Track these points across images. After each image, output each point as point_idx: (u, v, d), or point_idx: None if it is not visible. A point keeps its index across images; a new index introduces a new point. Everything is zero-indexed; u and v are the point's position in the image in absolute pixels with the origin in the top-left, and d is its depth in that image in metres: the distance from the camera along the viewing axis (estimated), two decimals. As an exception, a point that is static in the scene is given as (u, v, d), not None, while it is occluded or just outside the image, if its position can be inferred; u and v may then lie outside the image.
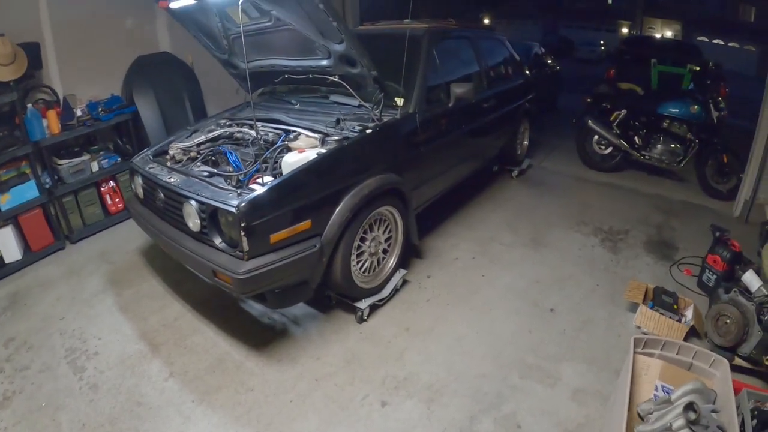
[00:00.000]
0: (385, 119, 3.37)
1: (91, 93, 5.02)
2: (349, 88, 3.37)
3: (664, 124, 5.76)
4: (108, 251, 4.47)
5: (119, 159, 5.01)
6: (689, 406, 1.91)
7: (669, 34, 31.75)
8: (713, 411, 2.01)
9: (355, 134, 3.17)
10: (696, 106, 5.51)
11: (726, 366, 2.27)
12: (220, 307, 3.50)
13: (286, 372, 2.88)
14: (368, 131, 3.21)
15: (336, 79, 3.42)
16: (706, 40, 28.58)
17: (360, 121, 3.34)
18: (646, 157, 5.83)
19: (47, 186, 4.46)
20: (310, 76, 3.66)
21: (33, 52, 4.35)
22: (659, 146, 5.81)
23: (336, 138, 3.15)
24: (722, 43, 27.86)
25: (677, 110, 5.62)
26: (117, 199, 5.05)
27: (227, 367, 2.94)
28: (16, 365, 3.08)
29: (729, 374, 2.22)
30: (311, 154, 2.89)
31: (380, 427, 2.49)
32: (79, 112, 4.70)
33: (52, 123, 4.40)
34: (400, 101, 3.53)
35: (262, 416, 2.58)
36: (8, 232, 4.18)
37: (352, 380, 2.79)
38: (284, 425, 2.53)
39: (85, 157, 4.74)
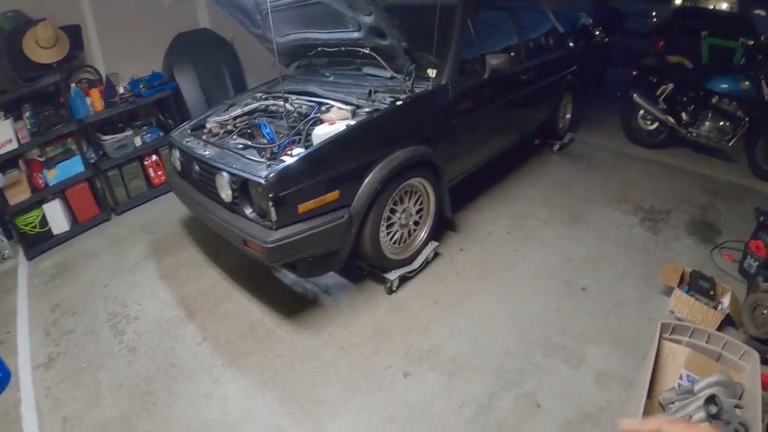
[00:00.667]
0: (417, 91, 3.34)
1: (132, 71, 5.15)
2: (380, 59, 3.35)
3: (713, 100, 5.47)
4: (151, 222, 4.65)
5: (161, 133, 5.15)
6: (711, 399, 1.86)
7: (724, 6, 30.15)
8: (737, 406, 1.94)
9: (386, 106, 3.16)
10: (747, 83, 5.21)
11: (756, 359, 2.19)
12: (255, 276, 3.61)
13: (314, 340, 2.96)
14: (398, 103, 3.19)
15: (368, 51, 3.41)
16: (763, 13, 26.98)
17: (392, 93, 3.32)
18: (693, 134, 5.58)
19: (92, 161, 4.65)
20: (342, 48, 3.66)
21: (74, 34, 4.48)
22: (707, 123, 5.54)
23: (367, 110, 3.15)
24: (782, 16, 26.21)
25: (727, 86, 5.33)
26: (160, 172, 5.21)
27: (258, 334, 3.04)
28: (62, 329, 3.28)
29: (758, 368, 2.14)
30: (341, 126, 2.90)
31: (400, 397, 2.54)
32: (121, 90, 4.85)
33: (95, 101, 4.57)
34: (432, 73, 3.47)
35: (287, 381, 2.67)
36: (56, 205, 4.41)
37: (377, 350, 2.84)
38: (308, 390, 2.61)
39: (128, 132, 4.91)
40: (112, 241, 4.39)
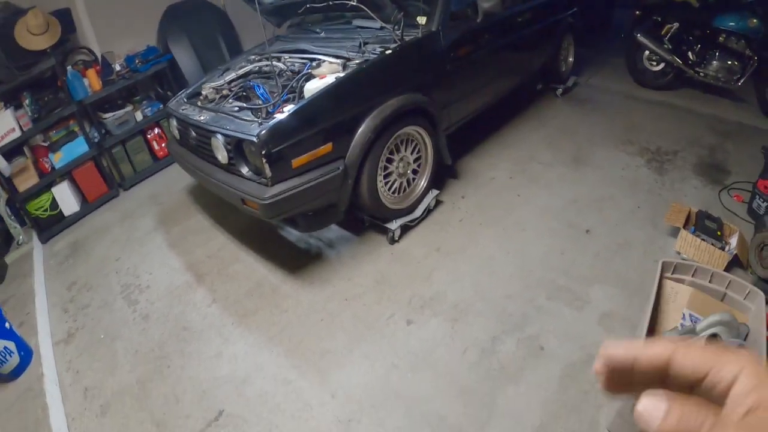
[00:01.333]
0: (407, 39, 3.28)
1: (127, 47, 5.18)
2: (368, 11, 3.30)
3: (721, 38, 5.29)
4: (157, 193, 4.73)
5: (161, 106, 5.16)
6: (712, 338, 1.85)
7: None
8: (740, 347, 1.93)
9: (375, 56, 3.13)
10: (755, 20, 5.02)
11: (762, 299, 2.17)
12: (261, 236, 3.68)
13: (318, 293, 3.01)
14: (388, 52, 3.14)
15: (355, 3, 3.35)
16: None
17: (382, 44, 3.28)
18: (701, 74, 5.42)
19: (96, 140, 4.72)
20: (330, 2, 3.58)
21: (65, 17, 4.50)
22: (715, 62, 5.36)
23: (357, 62, 3.12)
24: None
25: (734, 24, 5.15)
26: (163, 144, 5.23)
27: (264, 291, 3.11)
28: (78, 305, 3.39)
29: (764, 308, 2.12)
30: (331, 79, 2.89)
31: (404, 344, 2.58)
32: (117, 67, 4.88)
33: (92, 81, 4.60)
34: (422, 20, 3.40)
35: (293, 335, 2.74)
36: (64, 187, 4.49)
37: (380, 300, 2.89)
38: (314, 343, 2.67)
39: (129, 108, 4.94)
40: (122, 215, 4.47)
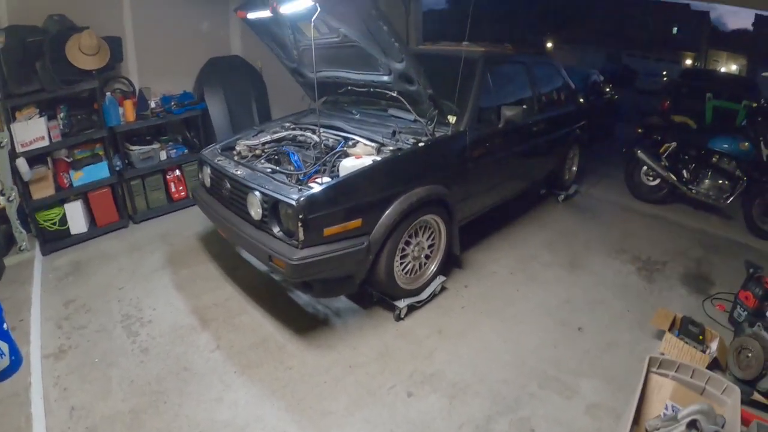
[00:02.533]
0: (438, 135, 3.62)
1: (164, 87, 5.47)
2: (406, 103, 3.64)
3: (714, 159, 5.74)
4: (168, 234, 4.85)
5: (186, 150, 5.41)
6: (692, 424, 2.04)
7: (734, 68, 30.89)
8: None
9: (409, 146, 3.43)
10: (746, 143, 5.48)
11: (737, 394, 2.39)
12: (270, 294, 3.80)
13: (324, 357, 3.12)
14: (421, 144, 3.46)
15: (395, 95, 3.70)
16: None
17: (414, 135, 3.60)
18: (693, 191, 5.83)
19: (118, 168, 4.88)
20: (371, 89, 3.96)
21: (115, 45, 4.76)
22: (707, 181, 5.80)
23: (391, 148, 3.42)
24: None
25: (727, 146, 5.61)
26: (180, 188, 5.44)
27: (270, 347, 3.21)
28: (74, 324, 3.44)
29: (739, 402, 2.34)
30: (367, 161, 3.17)
31: (403, 414, 2.70)
32: (152, 104, 5.12)
33: (128, 111, 4.83)
34: (452, 119, 3.76)
35: (296, 392, 2.83)
36: (77, 205, 4.61)
37: (383, 371, 3.02)
38: (315, 402, 2.77)
39: (155, 145, 5.15)
40: (130, 247, 4.58)
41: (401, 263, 3.46)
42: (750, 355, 2.91)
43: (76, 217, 4.62)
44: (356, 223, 3.02)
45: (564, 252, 4.71)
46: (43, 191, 4.35)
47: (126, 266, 4.22)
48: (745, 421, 2.40)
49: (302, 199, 2.81)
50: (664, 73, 28.21)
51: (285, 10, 3.32)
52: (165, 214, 5.30)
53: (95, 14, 4.83)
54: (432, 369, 3.05)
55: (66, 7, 4.60)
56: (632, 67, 29.59)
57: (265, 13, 3.61)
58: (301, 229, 2.82)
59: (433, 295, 3.75)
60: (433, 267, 3.75)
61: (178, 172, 5.42)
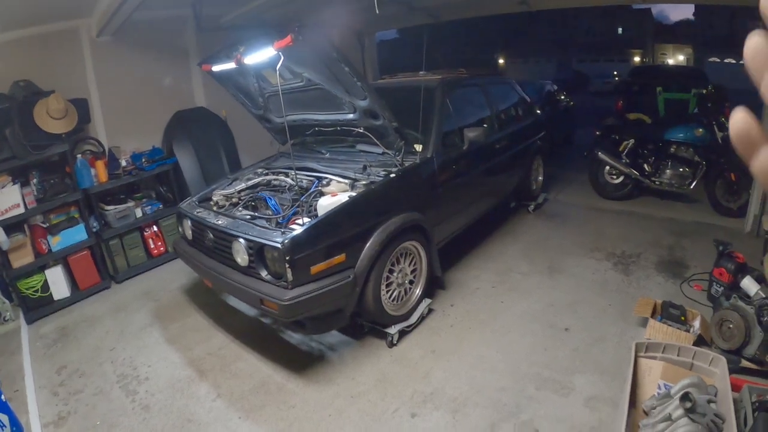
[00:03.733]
0: (407, 164, 3.77)
1: (133, 145, 5.53)
2: (373, 138, 3.79)
3: (672, 149, 6.00)
4: (152, 290, 4.86)
5: (161, 206, 5.45)
6: (685, 396, 2.14)
7: (681, 58, 31.95)
8: (710, 401, 2.24)
9: (381, 179, 3.57)
10: (700, 129, 5.75)
11: (724, 363, 2.54)
12: (261, 337, 3.85)
13: (324, 391, 3.18)
14: (391, 176, 3.60)
15: (361, 131, 3.84)
16: (718, 60, 28.70)
17: (384, 167, 3.74)
18: (657, 182, 6.08)
19: (95, 229, 4.90)
20: (338, 128, 4.11)
21: (82, 107, 4.82)
22: (668, 171, 6.05)
23: (364, 182, 3.55)
24: (734, 61, 27.94)
25: (682, 135, 5.87)
26: (159, 243, 5.46)
27: (270, 389, 3.25)
28: (70, 389, 3.43)
29: (727, 370, 2.48)
30: (343, 197, 3.29)
31: (410, 435, 2.78)
32: (123, 163, 5.17)
33: (100, 172, 4.88)
34: (419, 147, 3.91)
35: (302, 429, 2.88)
36: (58, 271, 4.61)
37: (384, 396, 3.09)
38: (323, 436, 2.82)
39: (130, 203, 5.19)
40: (115, 307, 4.58)
41: (387, 291, 3.56)
42: (731, 326, 3.06)
43: (57, 283, 4.61)
44: (340, 258, 3.13)
45: (541, 259, 4.86)
46: (22, 259, 4.34)
47: (113, 327, 4.22)
48: (736, 387, 2.54)
49: (286, 241, 2.90)
50: (615, 73, 29.07)
51: (249, 60, 3.46)
52: (146, 271, 5.31)
53: (60, 77, 4.90)
54: (431, 388, 3.13)
55: (31, 72, 4.66)
56: (583, 72, 30.44)
57: (229, 65, 3.73)
58: (289, 270, 2.91)
59: (422, 318, 3.84)
60: (417, 291, 3.86)
61: (155, 228, 5.44)
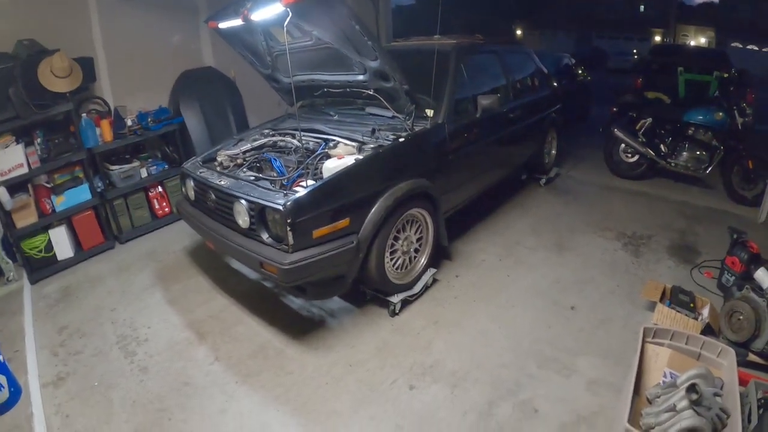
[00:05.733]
0: (417, 129, 3.65)
1: (140, 104, 5.44)
2: (383, 100, 3.67)
3: (690, 131, 5.84)
4: (155, 251, 4.84)
5: (167, 166, 5.40)
6: (691, 387, 2.09)
7: (703, 41, 31.36)
8: (716, 394, 2.18)
9: (389, 143, 3.47)
10: (720, 113, 5.59)
11: (732, 355, 2.46)
12: (262, 301, 3.81)
13: (323, 358, 3.14)
14: (401, 140, 3.50)
15: (371, 93, 3.73)
16: (740, 46, 28.14)
17: (393, 131, 3.63)
18: (672, 164, 5.94)
19: (99, 190, 4.84)
20: (347, 89, 3.99)
21: (87, 65, 4.74)
22: (685, 153, 5.90)
23: (371, 146, 3.45)
24: (756, 48, 27.38)
25: (701, 117, 5.71)
26: (164, 204, 5.42)
27: (268, 354, 3.22)
28: (70, 350, 3.42)
29: (735, 363, 2.40)
30: (349, 160, 3.19)
31: (407, 407, 2.73)
32: (129, 122, 5.09)
33: (105, 132, 4.80)
34: (430, 112, 3.80)
35: (299, 396, 2.85)
36: (62, 231, 4.57)
37: (383, 366, 3.05)
38: (319, 404, 2.79)
39: (135, 163, 5.13)
40: (118, 267, 4.56)
41: (391, 259, 3.49)
42: (741, 317, 2.97)
43: (61, 243, 4.58)
44: (344, 222, 3.05)
45: (550, 234, 4.77)
46: (26, 219, 4.30)
47: (116, 287, 4.20)
48: (742, 382, 2.47)
49: (289, 203, 2.82)
50: (635, 51, 28.55)
51: (256, 17, 3.33)
52: (150, 232, 5.28)
53: (65, 36, 4.78)
54: (431, 360, 3.08)
55: (35, 30, 4.56)
56: (602, 47, 29.92)
57: (236, 22, 3.62)
58: (290, 234, 2.83)
59: (426, 288, 3.78)
60: (423, 260, 3.79)
61: (160, 189, 5.40)
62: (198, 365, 3.15)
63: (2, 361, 2.83)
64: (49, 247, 4.50)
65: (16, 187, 4.24)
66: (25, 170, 4.20)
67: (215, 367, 3.12)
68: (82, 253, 4.75)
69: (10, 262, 4.30)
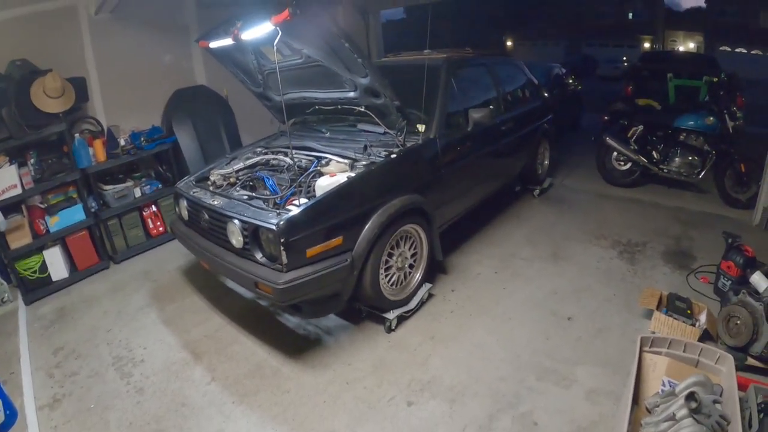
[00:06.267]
0: (408, 144, 3.66)
1: (132, 124, 5.44)
2: (374, 117, 3.69)
3: (681, 137, 5.86)
4: (150, 270, 4.82)
5: (160, 185, 5.38)
6: (690, 396, 2.08)
7: (691, 46, 31.60)
8: (715, 401, 2.17)
9: (381, 159, 3.47)
10: (711, 118, 5.61)
11: (731, 361, 2.45)
12: (258, 320, 3.79)
13: (320, 376, 3.12)
14: (393, 156, 3.50)
15: (362, 109, 3.74)
16: (728, 49, 28.38)
17: (385, 147, 3.64)
18: (665, 170, 5.94)
19: (93, 209, 4.83)
20: (339, 106, 4.00)
21: (80, 85, 4.76)
22: (677, 159, 5.91)
23: (364, 163, 3.45)
24: (745, 51, 27.59)
25: (692, 123, 5.73)
26: (158, 223, 5.40)
27: (265, 373, 3.20)
28: (66, 371, 3.40)
29: (733, 369, 2.40)
30: (342, 178, 3.19)
31: (406, 424, 2.71)
32: (122, 142, 5.09)
33: (98, 152, 4.80)
34: (421, 127, 3.80)
35: (297, 415, 2.83)
36: (56, 251, 4.56)
37: (380, 383, 3.03)
38: (317, 423, 2.77)
39: (129, 183, 5.13)
40: (113, 288, 4.54)
41: (386, 275, 3.48)
42: (739, 322, 2.98)
43: (56, 263, 4.57)
44: (337, 240, 3.04)
45: (545, 245, 4.77)
46: (20, 240, 4.29)
47: (111, 308, 4.18)
48: (741, 387, 2.45)
49: (282, 222, 2.82)
50: (624, 58, 28.74)
51: (247, 36, 3.34)
52: (145, 251, 5.27)
53: (57, 56, 4.82)
54: (429, 376, 3.07)
55: (27, 51, 4.59)
56: (592, 55, 30.12)
57: (227, 41, 3.62)
58: (283, 253, 2.83)
59: (422, 303, 3.77)
60: (418, 275, 3.78)
61: (154, 208, 5.39)
62: (195, 385, 3.14)
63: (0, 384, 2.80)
64: (44, 267, 4.49)
65: (9, 207, 4.24)
66: (18, 191, 4.19)
67: (212, 387, 3.11)
68: (77, 273, 4.74)
69: (5, 283, 4.29)
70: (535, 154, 5.85)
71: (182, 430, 2.78)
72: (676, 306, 3.38)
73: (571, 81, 9.81)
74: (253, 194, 3.43)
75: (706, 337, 3.17)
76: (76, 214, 4.67)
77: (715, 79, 6.62)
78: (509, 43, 34.33)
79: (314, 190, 3.23)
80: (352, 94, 3.72)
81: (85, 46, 5.26)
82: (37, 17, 4.80)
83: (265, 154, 4.14)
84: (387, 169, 3.43)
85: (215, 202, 3.39)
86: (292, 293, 2.88)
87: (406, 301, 3.65)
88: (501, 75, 5.19)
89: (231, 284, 4.20)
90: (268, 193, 3.40)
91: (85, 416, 2.96)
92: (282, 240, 2.80)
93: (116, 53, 5.49)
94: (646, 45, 32.75)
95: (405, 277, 3.69)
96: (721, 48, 28.85)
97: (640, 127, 6.11)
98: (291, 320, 3.76)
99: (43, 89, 4.28)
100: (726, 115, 5.55)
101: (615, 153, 6.29)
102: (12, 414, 2.80)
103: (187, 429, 2.79)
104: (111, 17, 5.41)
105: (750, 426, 2.24)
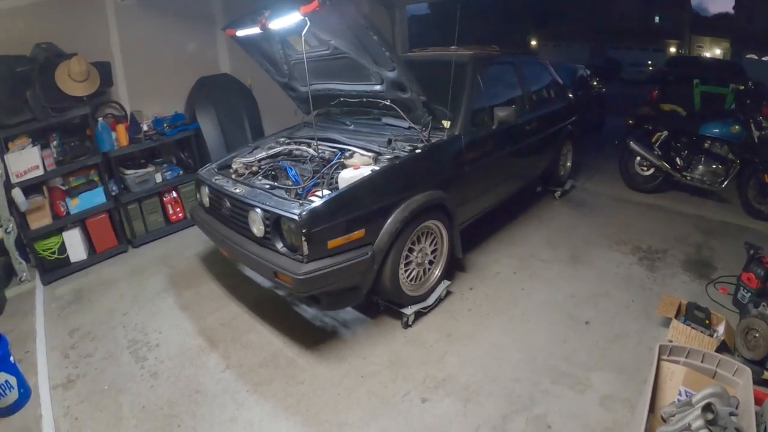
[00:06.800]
0: (433, 140, 3.65)
1: (155, 110, 5.51)
2: (399, 111, 3.68)
3: (706, 144, 5.78)
4: (168, 256, 4.86)
5: (181, 172, 5.43)
6: (707, 407, 2.05)
7: (718, 52, 31.17)
8: (732, 414, 2.14)
9: (405, 154, 3.46)
10: (737, 126, 5.52)
11: (748, 374, 2.40)
12: (275, 310, 3.81)
13: (335, 369, 3.13)
14: (417, 151, 3.49)
15: (388, 103, 3.74)
16: (755, 57, 27.90)
17: (410, 142, 3.62)
18: (688, 177, 5.87)
19: (114, 193, 4.88)
20: (364, 99, 3.99)
21: (104, 70, 4.79)
22: (701, 167, 5.83)
23: (388, 157, 3.44)
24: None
25: (718, 130, 5.65)
26: (178, 209, 5.45)
27: (280, 363, 3.21)
28: (81, 352, 3.43)
29: (751, 382, 2.35)
30: (365, 171, 3.19)
31: (419, 420, 2.71)
32: (145, 127, 5.15)
33: (121, 136, 4.85)
34: (446, 124, 3.79)
35: (310, 406, 2.83)
36: (76, 233, 4.61)
37: (395, 378, 3.02)
38: (330, 415, 2.77)
39: (150, 168, 5.17)
40: (131, 271, 4.58)
41: (406, 270, 3.47)
42: (757, 335, 2.93)
43: (74, 245, 4.61)
44: (359, 233, 3.04)
45: (565, 247, 4.73)
46: (40, 221, 4.34)
47: (128, 291, 4.22)
48: (757, 401, 2.42)
49: (304, 213, 2.82)
50: (649, 62, 28.40)
51: (274, 25, 3.34)
52: (164, 237, 5.31)
53: (83, 40, 4.85)
54: (444, 373, 3.06)
55: (53, 34, 4.63)
56: (617, 58, 29.81)
57: (254, 30, 3.62)
58: (305, 244, 2.83)
59: (439, 300, 3.76)
60: (437, 272, 3.77)
61: (174, 194, 5.43)
62: (209, 372, 3.15)
63: (13, 361, 2.84)
64: (63, 249, 4.53)
65: (31, 188, 4.29)
66: (40, 172, 4.24)
67: (226, 375, 3.12)
68: (96, 255, 4.78)
69: (24, 262, 4.32)
70: (558, 155, 5.80)
71: (195, 417, 2.79)
72: (695, 315, 3.34)
73: (595, 83, 9.72)
74: (275, 184, 3.43)
75: (723, 348, 3.11)
76: (96, 197, 4.72)
77: (742, 87, 6.53)
78: (534, 43, 34.10)
79: (337, 182, 3.23)
80: (378, 88, 3.71)
81: (111, 31, 5.31)
82: (63, 1, 4.84)
83: (289, 144, 4.14)
84: (411, 164, 3.41)
85: (237, 190, 3.40)
86: (311, 284, 2.88)
87: (424, 297, 3.64)
88: (527, 74, 5.15)
89: (248, 273, 4.22)
90: (290, 183, 3.41)
91: (98, 397, 2.99)
92: (304, 230, 2.80)
93: (141, 39, 5.53)
94: (672, 49, 32.40)
95: (424, 273, 3.68)
96: (747, 56, 28.40)
97: (665, 133, 6.03)
98: (308, 311, 3.77)
99: (68, 72, 4.31)
100: (752, 124, 5.46)
101: (638, 158, 6.22)
102: (26, 392, 2.87)
103: (200, 416, 2.80)
104: (137, 3, 5.47)
105: (764, 440, 2.21)
